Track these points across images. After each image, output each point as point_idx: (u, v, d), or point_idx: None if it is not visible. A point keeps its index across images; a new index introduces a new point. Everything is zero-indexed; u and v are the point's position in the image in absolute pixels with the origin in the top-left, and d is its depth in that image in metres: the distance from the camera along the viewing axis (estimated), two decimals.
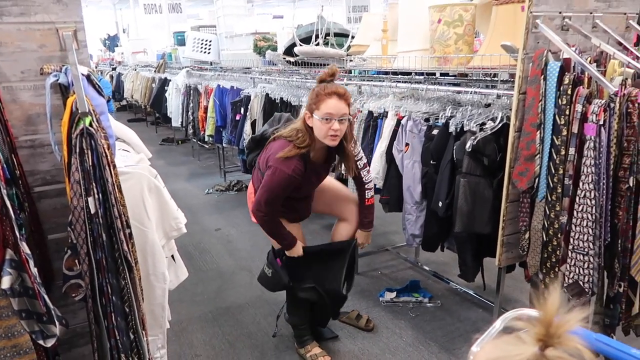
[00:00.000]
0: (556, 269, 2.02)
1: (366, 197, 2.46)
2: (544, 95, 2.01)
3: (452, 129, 2.50)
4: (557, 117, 1.97)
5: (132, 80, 9.18)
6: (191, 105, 6.24)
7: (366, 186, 2.45)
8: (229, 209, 5.25)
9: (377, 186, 2.94)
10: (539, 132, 2.03)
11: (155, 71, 8.17)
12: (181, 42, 7.80)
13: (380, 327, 2.92)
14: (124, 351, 1.45)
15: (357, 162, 2.37)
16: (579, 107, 1.90)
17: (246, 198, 2.60)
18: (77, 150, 1.34)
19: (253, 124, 4.40)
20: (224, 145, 5.52)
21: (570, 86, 1.93)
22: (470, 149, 2.29)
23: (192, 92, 6.22)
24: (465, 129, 2.44)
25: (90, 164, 1.36)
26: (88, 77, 1.58)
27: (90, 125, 1.36)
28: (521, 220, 2.19)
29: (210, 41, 6.15)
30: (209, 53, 6.17)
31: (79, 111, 1.35)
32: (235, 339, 2.85)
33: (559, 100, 1.96)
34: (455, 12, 2.69)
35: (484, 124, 2.41)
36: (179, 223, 1.98)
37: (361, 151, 2.46)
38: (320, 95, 2.08)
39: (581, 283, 1.90)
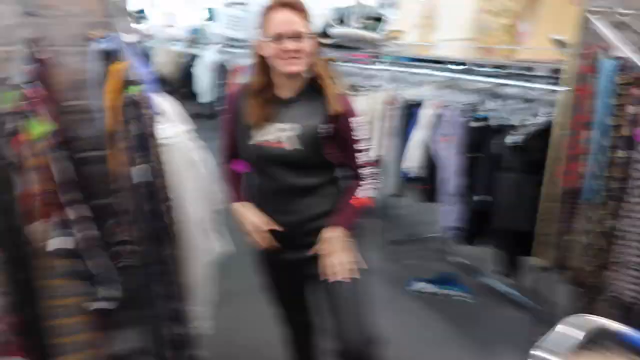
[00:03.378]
0: (597, 273, 2.00)
1: (356, 194, 1.67)
2: (595, 93, 1.95)
3: (493, 122, 2.46)
4: (607, 117, 1.92)
5: (161, 54, 9.19)
6: (220, 81, 6.25)
7: (361, 184, 1.69)
8: None
9: (412, 175, 2.92)
10: (586, 131, 1.98)
11: (185, 46, 8.18)
12: (212, 18, 7.76)
13: (410, 316, 2.90)
14: (166, 318, 1.49)
15: (359, 153, 1.68)
16: (631, 109, 1.85)
17: None
18: (124, 118, 1.36)
19: None
20: None
21: (624, 86, 1.87)
22: (511, 144, 2.26)
23: (221, 68, 6.22)
24: (506, 124, 2.40)
25: (136, 133, 1.37)
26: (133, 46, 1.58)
27: (137, 94, 1.37)
28: (562, 220, 2.16)
29: (242, 19, 6.11)
30: (240, 30, 6.13)
31: (128, 79, 1.36)
32: (270, 317, 2.85)
33: (611, 100, 1.91)
34: (501, 2, 2.62)
35: (526, 119, 2.37)
36: (215, 197, 1.99)
37: (368, 145, 1.72)
38: (265, 13, 1.50)
39: (621, 297, 1.88)
